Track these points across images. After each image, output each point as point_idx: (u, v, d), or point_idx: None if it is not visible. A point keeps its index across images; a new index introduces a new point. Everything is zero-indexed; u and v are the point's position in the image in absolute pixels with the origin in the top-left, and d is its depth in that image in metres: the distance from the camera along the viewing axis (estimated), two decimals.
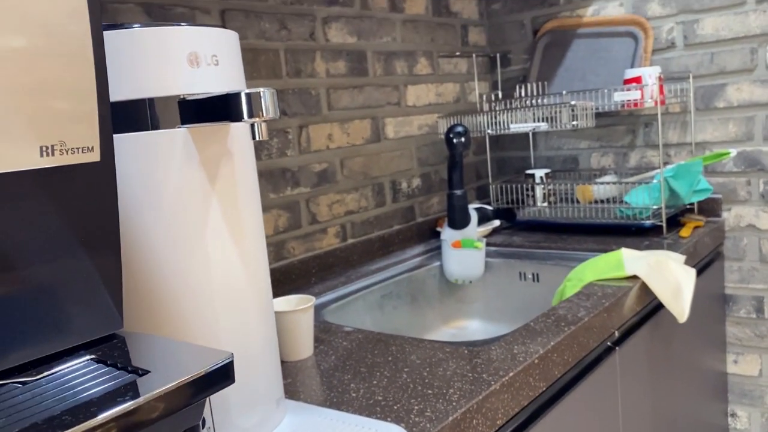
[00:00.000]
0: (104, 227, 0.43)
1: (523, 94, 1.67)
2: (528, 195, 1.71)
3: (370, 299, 1.34)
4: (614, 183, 1.54)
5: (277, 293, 1.27)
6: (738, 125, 1.53)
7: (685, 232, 1.43)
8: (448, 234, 1.49)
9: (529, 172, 1.73)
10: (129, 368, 0.42)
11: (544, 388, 0.87)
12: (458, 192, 1.46)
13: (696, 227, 1.49)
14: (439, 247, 1.59)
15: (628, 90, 1.42)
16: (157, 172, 0.57)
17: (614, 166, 1.73)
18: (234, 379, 0.41)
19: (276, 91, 1.30)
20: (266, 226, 1.29)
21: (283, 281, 1.30)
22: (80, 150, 0.39)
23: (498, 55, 1.89)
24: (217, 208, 0.60)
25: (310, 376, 0.86)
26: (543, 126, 1.48)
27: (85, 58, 0.44)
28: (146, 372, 0.40)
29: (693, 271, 1.20)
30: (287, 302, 0.95)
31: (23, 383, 0.40)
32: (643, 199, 1.47)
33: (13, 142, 0.38)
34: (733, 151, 1.47)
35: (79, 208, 0.41)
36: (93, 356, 0.43)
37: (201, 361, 0.40)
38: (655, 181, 1.45)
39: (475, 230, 1.49)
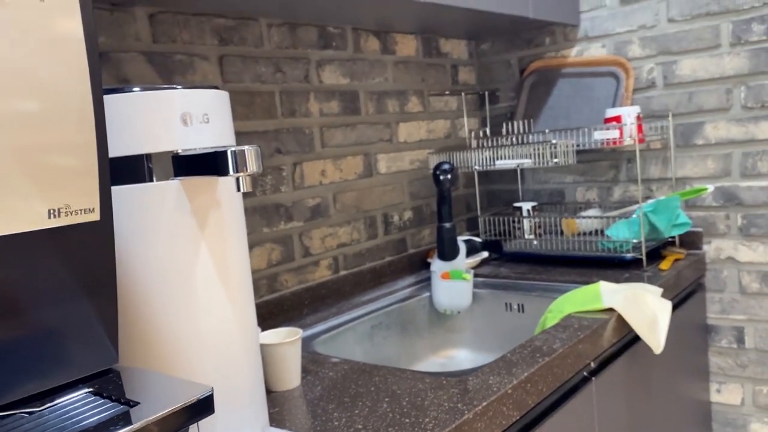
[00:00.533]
0: (102, 275, 0.49)
1: (510, 130, 1.74)
2: (516, 227, 1.77)
3: (361, 330, 1.40)
4: (597, 217, 1.60)
5: (269, 325, 1.33)
6: (716, 161, 1.60)
7: (665, 264, 1.49)
8: (437, 266, 1.54)
9: (516, 205, 1.79)
10: (122, 400, 0.48)
11: (517, 417, 0.92)
12: (447, 225, 1.52)
13: (676, 260, 1.54)
14: (429, 278, 1.64)
15: (608, 129, 1.49)
16: (152, 220, 0.63)
17: (598, 200, 1.79)
18: (213, 410, 0.47)
19: (271, 130, 1.37)
20: (259, 260, 1.35)
21: (276, 313, 1.35)
22: (83, 211, 0.45)
23: (487, 93, 1.96)
24: (206, 253, 0.66)
25: (296, 405, 0.91)
26: (527, 163, 1.54)
27: (87, 119, 0.51)
28: (137, 403, 0.45)
29: (669, 304, 1.25)
30: (276, 335, 1.00)
31: (29, 413, 0.45)
32: (624, 233, 1.52)
33: (24, 203, 0.44)
34: (711, 187, 1.53)
35: (79, 259, 0.47)
36: (90, 389, 0.49)
37: (185, 393, 0.46)
38: (635, 215, 1.51)
39: (463, 262, 1.55)
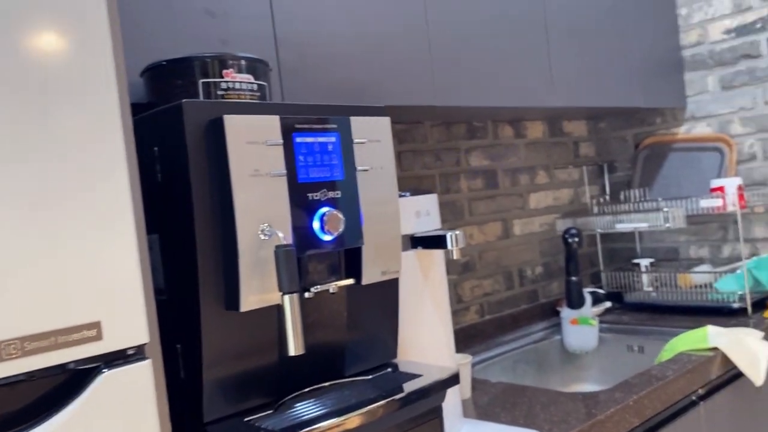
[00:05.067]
0: (394, 307, 0.89)
1: (627, 197, 2.05)
2: (635, 281, 2.05)
3: (505, 364, 1.74)
4: (708, 272, 1.87)
5: None
6: None
7: None
8: (566, 313, 1.86)
9: (635, 261, 2.08)
10: (409, 374, 0.87)
11: (637, 424, 1.23)
12: (574, 278, 1.84)
13: None
14: (559, 324, 1.96)
15: (712, 198, 1.77)
16: (408, 276, 1.04)
17: (709, 256, 2.05)
18: (459, 381, 0.85)
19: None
20: None
21: None
22: (395, 272, 0.86)
23: (605, 164, 2.29)
24: (428, 296, 1.06)
25: (473, 408, 1.28)
26: (643, 226, 1.85)
27: (395, 219, 0.92)
28: (419, 375, 0.84)
29: None
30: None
31: (367, 380, 0.85)
32: (731, 286, 1.78)
33: (373, 267, 0.86)
34: None
35: (388, 298, 0.88)
36: (391, 369, 0.88)
37: (443, 372, 0.84)
38: (739, 271, 1.77)
39: (589, 310, 1.86)
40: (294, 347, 0.69)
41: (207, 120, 0.72)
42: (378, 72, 1.26)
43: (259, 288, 0.72)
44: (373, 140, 0.84)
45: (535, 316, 2.02)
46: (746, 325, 1.65)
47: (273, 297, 0.73)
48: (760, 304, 1.82)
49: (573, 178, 2.22)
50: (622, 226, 1.90)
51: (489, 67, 1.50)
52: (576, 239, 1.79)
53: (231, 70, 0.88)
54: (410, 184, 1.73)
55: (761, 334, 1.56)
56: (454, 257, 1.02)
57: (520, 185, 2.04)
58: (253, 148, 0.72)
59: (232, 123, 0.71)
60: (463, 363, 1.32)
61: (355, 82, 1.22)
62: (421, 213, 1.06)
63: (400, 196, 1.07)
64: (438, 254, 1.09)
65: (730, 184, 1.79)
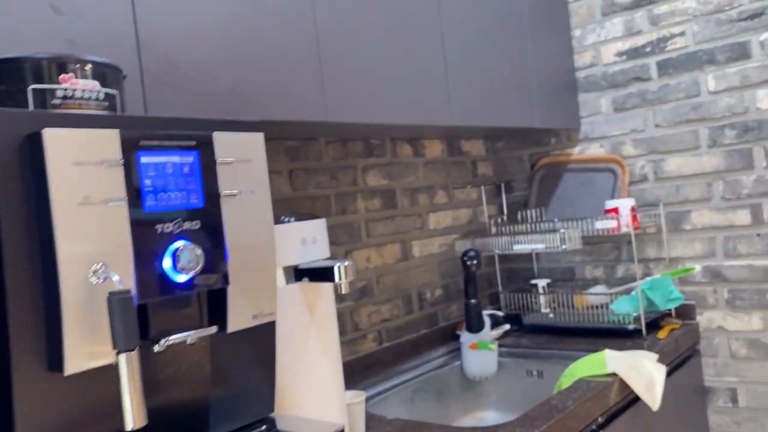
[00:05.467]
0: (270, 354, 0.77)
1: (524, 217, 2.03)
2: (533, 302, 2.03)
3: (404, 395, 1.65)
4: (603, 294, 1.86)
5: None
6: (702, 244, 1.87)
7: (662, 334, 1.74)
8: (465, 337, 1.80)
9: (533, 282, 2.06)
10: None
11: None
12: (473, 301, 1.78)
13: (672, 329, 1.79)
14: (459, 349, 1.90)
15: (607, 219, 1.77)
16: (283, 310, 0.92)
17: (604, 277, 2.06)
18: None
19: (327, 225, 1.67)
20: None
21: None
22: (270, 314, 0.73)
23: (503, 184, 2.27)
24: (314, 335, 0.94)
25: None
26: (540, 247, 1.82)
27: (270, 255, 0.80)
28: None
29: (664, 368, 1.50)
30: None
31: None
32: (626, 307, 1.78)
33: (243, 310, 0.73)
34: (698, 267, 1.79)
35: (263, 343, 0.75)
36: (265, 426, 0.76)
37: (327, 429, 0.73)
38: (634, 292, 1.78)
39: (488, 333, 1.80)
40: (132, 419, 0.55)
41: (23, 135, 0.57)
42: (262, 83, 1.14)
43: (89, 344, 0.58)
44: (242, 159, 0.72)
45: (434, 341, 1.94)
46: (641, 347, 1.65)
47: (106, 356, 0.59)
48: (654, 325, 1.83)
49: (472, 198, 2.18)
50: (520, 248, 1.87)
51: (385, 83, 1.42)
52: (474, 261, 1.73)
53: (71, 75, 0.73)
54: (302, 206, 1.61)
55: (656, 356, 1.55)
56: (343, 291, 0.91)
57: (419, 205, 1.97)
58: (84, 170, 0.58)
59: (55, 139, 0.57)
60: (355, 402, 1.21)
61: (234, 94, 1.09)
62: (307, 240, 0.95)
63: (283, 221, 0.95)
64: (326, 287, 0.98)
65: (624, 205, 1.80)
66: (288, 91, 1.19)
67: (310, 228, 0.96)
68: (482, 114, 1.71)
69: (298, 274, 0.93)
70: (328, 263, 0.91)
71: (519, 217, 2.03)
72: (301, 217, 0.97)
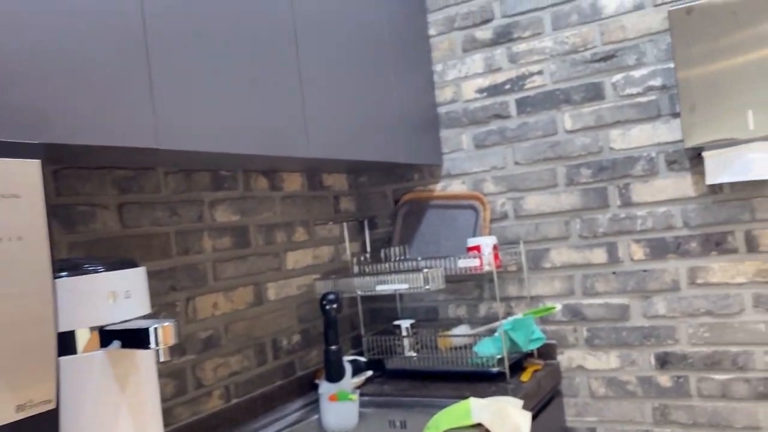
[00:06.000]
0: None
1: (388, 255, 1.93)
2: (397, 344, 1.92)
3: None
4: (465, 335, 1.80)
5: None
6: (562, 282, 1.86)
7: (525, 376, 1.69)
8: (324, 388, 1.65)
9: (396, 323, 1.96)
10: None
11: None
12: (333, 347, 1.64)
13: (535, 371, 1.75)
14: (317, 400, 1.74)
15: (469, 258, 1.71)
16: (81, 388, 0.72)
17: (467, 316, 2.00)
18: None
19: (166, 269, 1.46)
20: None
21: None
22: (43, 403, 0.54)
23: (366, 220, 2.17)
24: (126, 416, 0.75)
25: None
26: (403, 287, 1.73)
27: (47, 320, 0.60)
28: None
29: (529, 415, 1.43)
30: None
31: None
32: (490, 349, 1.72)
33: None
34: (558, 306, 1.78)
35: None
36: None
37: None
38: (497, 333, 1.72)
39: (349, 382, 1.66)
40: None
41: None
42: (73, 99, 0.94)
43: None
44: (7, 195, 0.53)
45: (291, 393, 1.77)
46: (505, 391, 1.59)
47: None
48: (517, 366, 1.79)
49: (333, 235, 2.06)
50: (383, 288, 1.76)
51: (232, 109, 1.26)
52: (335, 305, 1.59)
53: None
54: (134, 246, 1.39)
55: (520, 402, 1.49)
56: (162, 359, 0.73)
57: (275, 243, 1.81)
58: None
59: None
60: None
61: (38, 112, 0.88)
62: (119, 294, 0.76)
63: (91, 269, 0.75)
64: (143, 353, 0.79)
65: (486, 243, 1.76)
66: (110, 110, 1.00)
67: (123, 278, 0.77)
68: (342, 147, 1.59)
69: (105, 337, 0.74)
70: (142, 324, 0.73)
71: (383, 254, 1.93)
72: (112, 265, 0.78)
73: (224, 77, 1.25)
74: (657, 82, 1.72)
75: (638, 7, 1.73)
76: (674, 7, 1.57)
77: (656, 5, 1.72)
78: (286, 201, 1.87)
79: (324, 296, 1.61)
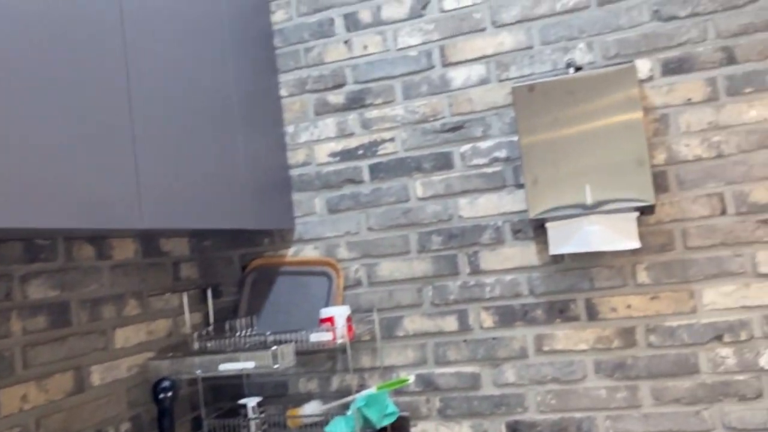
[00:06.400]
0: None
1: (234, 327, 1.78)
2: (242, 426, 1.76)
3: None
4: (315, 415, 1.69)
5: None
6: (415, 351, 1.83)
7: None
8: None
9: (241, 401, 1.80)
10: None
11: None
12: None
13: None
14: None
15: (322, 331, 1.62)
16: None
17: (319, 390, 1.89)
18: None
19: None
20: None
21: None
22: None
23: (210, 288, 2.00)
24: None
25: None
26: (249, 366, 1.59)
27: None
28: None
29: None
30: None
31: None
32: (342, 428, 1.62)
33: None
34: (411, 378, 1.73)
35: None
36: None
37: None
38: (349, 411, 1.63)
39: None
40: None
41: None
42: None
43: None
44: None
45: None
46: None
47: None
48: None
49: (172, 306, 1.87)
50: (227, 367, 1.61)
51: (45, 175, 1.08)
52: (169, 394, 1.42)
53: None
54: None
55: None
56: None
57: (102, 320, 1.60)
58: None
59: None
60: None
61: None
62: None
63: None
64: None
65: (339, 314, 1.68)
66: None
67: None
68: (183, 215, 1.45)
69: None
70: None
71: (227, 327, 1.78)
72: None
73: (33, 136, 1.08)
74: (502, 153, 1.77)
75: (484, 82, 1.79)
76: (517, 84, 1.64)
77: (501, 80, 1.78)
78: (116, 271, 1.67)
79: (157, 383, 1.43)
